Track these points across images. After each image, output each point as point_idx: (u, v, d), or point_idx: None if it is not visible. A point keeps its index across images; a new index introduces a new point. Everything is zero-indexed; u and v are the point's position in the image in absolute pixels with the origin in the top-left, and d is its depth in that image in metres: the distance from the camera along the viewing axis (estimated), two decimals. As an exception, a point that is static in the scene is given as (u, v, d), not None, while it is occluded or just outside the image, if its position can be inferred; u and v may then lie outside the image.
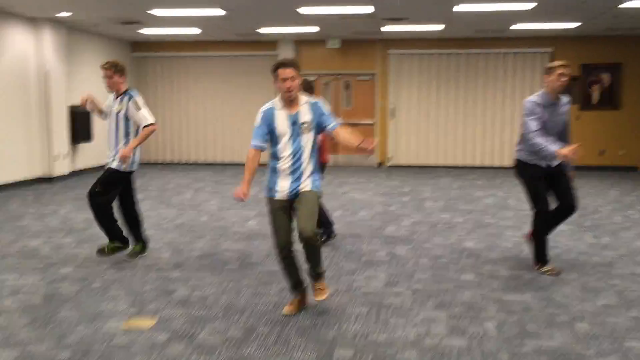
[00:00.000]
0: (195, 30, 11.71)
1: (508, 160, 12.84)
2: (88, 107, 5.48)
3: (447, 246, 6.05)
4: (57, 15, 9.95)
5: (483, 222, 7.25)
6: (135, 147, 5.23)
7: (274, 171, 4.03)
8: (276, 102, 3.99)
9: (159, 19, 10.08)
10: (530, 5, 8.83)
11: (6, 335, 3.74)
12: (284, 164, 3.96)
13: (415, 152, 13.26)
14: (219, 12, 9.43)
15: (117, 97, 5.37)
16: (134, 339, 3.68)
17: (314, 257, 4.03)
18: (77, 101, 11.43)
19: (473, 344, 3.60)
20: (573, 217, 7.43)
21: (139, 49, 13.71)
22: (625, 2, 8.46)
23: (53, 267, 5.27)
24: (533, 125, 4.84)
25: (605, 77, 12.52)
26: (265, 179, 4.09)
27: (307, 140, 3.95)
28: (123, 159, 5.18)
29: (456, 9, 9.01)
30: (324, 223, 6.06)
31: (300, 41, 13.20)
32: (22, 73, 10.21)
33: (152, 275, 5.03)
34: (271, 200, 4.07)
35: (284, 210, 4.02)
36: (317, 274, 4.11)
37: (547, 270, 5.04)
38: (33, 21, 10.32)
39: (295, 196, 3.99)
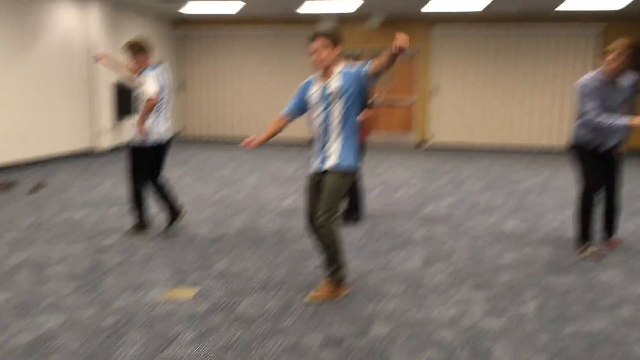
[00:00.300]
0: (238, 5, 11.67)
1: (552, 141, 12.56)
2: (104, 63, 5.63)
3: (486, 227, 5.98)
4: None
5: (524, 203, 7.12)
6: (141, 122, 5.16)
7: (315, 143, 3.99)
8: (317, 75, 3.96)
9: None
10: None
11: (54, 300, 3.88)
12: (317, 136, 3.92)
13: (457, 131, 13.08)
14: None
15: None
16: (175, 308, 3.77)
17: (323, 247, 3.85)
18: (121, 77, 11.67)
19: (511, 325, 3.56)
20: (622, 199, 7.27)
21: (181, 27, 13.83)
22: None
23: (97, 237, 5.42)
24: (595, 107, 4.70)
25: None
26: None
27: (337, 110, 3.77)
28: (139, 132, 5.20)
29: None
30: (355, 204, 6.03)
31: (343, 19, 13.09)
32: (68, 49, 10.43)
33: (193, 248, 5.12)
34: (309, 174, 4.06)
35: (313, 186, 3.96)
36: (326, 269, 3.94)
37: (588, 255, 4.93)
38: (79, -3, 10.50)
39: (322, 173, 3.90)
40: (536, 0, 10.23)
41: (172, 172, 9.13)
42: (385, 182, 8.47)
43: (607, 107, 4.78)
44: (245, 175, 9.02)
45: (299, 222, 6.06)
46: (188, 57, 14.01)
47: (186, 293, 4.03)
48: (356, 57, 5.61)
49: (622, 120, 4.58)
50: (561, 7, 10.69)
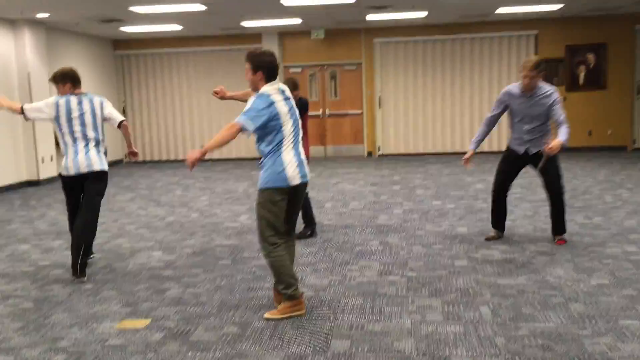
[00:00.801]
0: (176, 27, 11.61)
1: (496, 146, 12.87)
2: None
3: (439, 233, 6.05)
4: (36, 16, 9.81)
5: (474, 207, 7.25)
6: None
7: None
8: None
9: (140, 15, 9.97)
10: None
11: (-2, 341, 3.69)
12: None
13: (404, 141, 13.25)
14: (200, 7, 9.34)
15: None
16: (128, 339, 3.64)
17: (271, 269, 3.95)
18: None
19: (469, 330, 3.59)
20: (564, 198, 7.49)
21: (121, 47, 13.58)
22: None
23: (43, 270, 5.21)
24: (491, 110, 5.49)
25: (591, 58, 12.54)
26: None
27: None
28: None
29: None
30: (308, 218, 6.04)
31: (284, 33, 13.13)
32: (4, 76, 10.08)
33: (144, 274, 4.98)
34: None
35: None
36: (276, 288, 3.98)
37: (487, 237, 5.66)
38: (12, 23, 10.18)
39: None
40: (474, 7, 10.51)
41: (121, 197, 8.90)
42: (338, 194, 8.49)
43: (524, 118, 5.27)
44: (195, 196, 8.88)
45: (254, 240, 5.99)
46: (131, 78, 13.75)
47: (139, 322, 3.91)
48: (293, 81, 5.62)
49: (470, 144, 5.53)
50: (498, 11, 11.00)
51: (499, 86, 12.59)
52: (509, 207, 7.08)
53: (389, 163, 11.99)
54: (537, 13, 11.53)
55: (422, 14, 11.01)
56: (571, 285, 4.32)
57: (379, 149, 13.33)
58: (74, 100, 4.96)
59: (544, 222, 6.29)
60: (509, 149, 5.53)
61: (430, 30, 12.78)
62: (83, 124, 4.93)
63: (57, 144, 10.99)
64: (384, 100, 13.16)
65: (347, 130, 13.48)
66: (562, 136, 5.06)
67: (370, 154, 13.38)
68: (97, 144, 5.02)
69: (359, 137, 13.39)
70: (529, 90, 5.19)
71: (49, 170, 10.78)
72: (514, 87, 5.33)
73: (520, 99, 5.25)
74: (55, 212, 7.91)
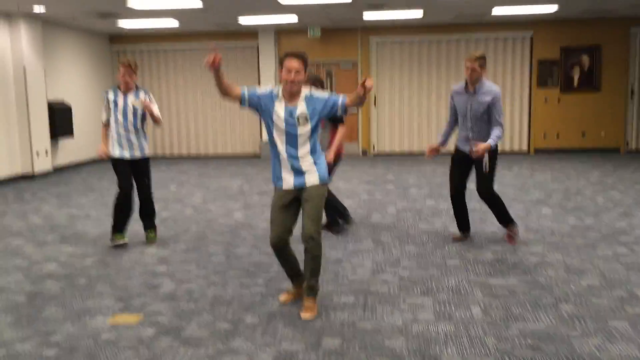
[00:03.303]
0: (173, 23, 11.60)
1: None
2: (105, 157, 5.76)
3: (432, 232, 6.08)
4: (33, 9, 9.78)
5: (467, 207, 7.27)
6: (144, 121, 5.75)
7: (277, 161, 3.94)
8: (278, 90, 3.87)
9: (136, 11, 9.96)
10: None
11: (-10, 335, 3.70)
12: (283, 156, 3.87)
13: (399, 140, 13.28)
14: (197, 3, 9.34)
15: (128, 93, 5.61)
16: (121, 334, 3.66)
17: (312, 264, 3.90)
18: (56, 96, 11.33)
19: (460, 329, 3.62)
20: (557, 199, 7.54)
21: (118, 42, 13.56)
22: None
23: (36, 265, 5.22)
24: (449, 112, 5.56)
25: (585, 60, 12.61)
26: (271, 168, 4.04)
27: (304, 134, 3.82)
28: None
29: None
30: (339, 209, 6.12)
31: (281, 31, 13.13)
32: (2, 69, 10.05)
33: (138, 270, 5.00)
34: (275, 189, 4.01)
35: (284, 203, 3.92)
36: (310, 288, 3.95)
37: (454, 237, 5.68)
38: (8, 17, 10.15)
39: (300, 190, 3.90)
40: (470, 8, 10.55)
41: (115, 192, 8.89)
42: (333, 192, 8.49)
43: (467, 115, 5.29)
44: (190, 192, 8.89)
45: (247, 236, 6.01)
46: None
47: (132, 318, 3.92)
48: (318, 78, 5.71)
49: (439, 137, 5.61)
50: (494, 12, 11.04)
51: (494, 87, 12.64)
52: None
53: (383, 162, 12.02)
54: (532, 15, 11.57)
55: (419, 13, 11.03)
56: (561, 285, 4.36)
57: (373, 148, 13.36)
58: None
59: (536, 223, 6.33)
60: (456, 148, 5.55)
61: (427, 30, 12.82)
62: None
63: (53, 136, 11.01)
64: (380, 99, 13.19)
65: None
66: (490, 139, 5.12)
67: (365, 152, 13.41)
68: None
69: (354, 135, 13.42)
70: (472, 84, 5.20)
71: (43, 165, 10.76)
72: (458, 85, 5.39)
73: (464, 96, 5.28)
74: (49, 206, 7.91)
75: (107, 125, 5.68)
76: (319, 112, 3.83)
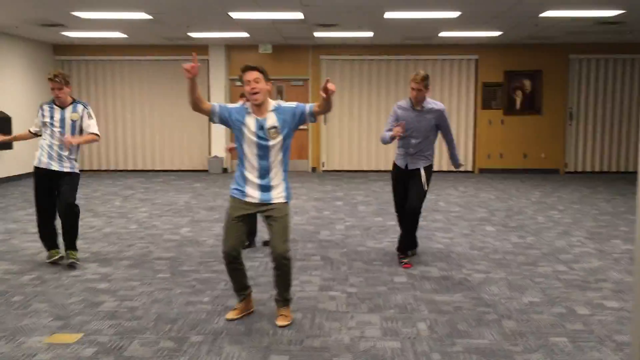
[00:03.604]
0: (120, 35, 11.39)
1: (438, 165, 13.17)
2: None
3: (380, 249, 6.13)
4: (-28, 15, 9.44)
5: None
6: (78, 145, 5.41)
7: (242, 175, 3.94)
8: (247, 105, 3.96)
9: (82, 21, 9.73)
10: (455, 14, 9.11)
11: None
12: (251, 170, 3.89)
13: (348, 157, 13.39)
14: (145, 15, 9.21)
15: (65, 107, 5.41)
16: (58, 354, 3.51)
17: (285, 279, 3.98)
18: (-5, 106, 10.89)
19: (406, 345, 3.64)
20: (500, 218, 7.74)
21: (63, 52, 13.19)
22: (544, 11, 8.87)
23: (-31, 281, 4.96)
24: (385, 126, 5.49)
25: (527, 83, 13.08)
26: (233, 179, 4.03)
27: (276, 146, 3.88)
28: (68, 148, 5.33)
29: (385, 16, 9.18)
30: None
31: (232, 46, 13.09)
32: None
33: (78, 287, 4.82)
34: (234, 200, 3.96)
35: (242, 216, 3.93)
36: (285, 300, 4.05)
37: (402, 261, 5.50)
38: (-55, 21, 9.75)
39: (264, 204, 3.92)
40: (417, 31, 10.80)
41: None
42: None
43: (412, 133, 5.35)
44: (135, 207, 8.68)
45: (194, 253, 5.90)
46: (72, 84, 13.33)
47: (69, 338, 3.77)
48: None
49: (385, 136, 5.39)
50: (441, 34, 11.34)
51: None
52: (447, 226, 7.28)
53: (332, 179, 12.08)
54: (478, 38, 11.95)
55: (368, 34, 11.22)
56: (505, 302, 4.45)
57: (323, 165, 13.42)
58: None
59: (480, 241, 6.47)
60: (395, 165, 5.60)
61: (376, 50, 13.04)
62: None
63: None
64: (330, 116, 13.28)
65: (292, 145, 13.46)
66: (456, 157, 5.59)
67: (314, 169, 13.45)
68: None
69: (303, 152, 13.44)
70: (418, 104, 5.32)
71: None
72: (403, 101, 5.48)
73: (410, 113, 5.35)
74: (-16, 221, 7.56)
75: (36, 134, 5.50)
76: (289, 122, 3.91)
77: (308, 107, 3.94)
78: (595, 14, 9.10)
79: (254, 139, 3.86)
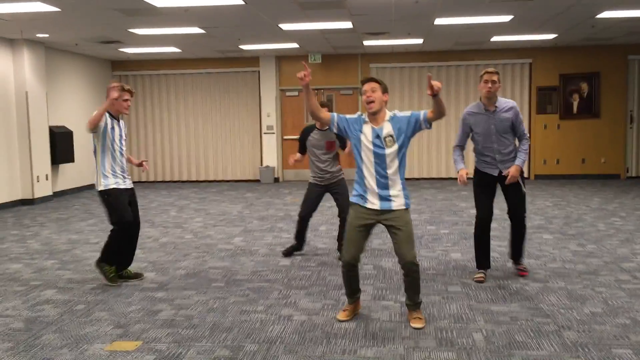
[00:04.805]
0: (174, 49, 11.71)
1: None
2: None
3: (433, 258, 6.05)
4: (35, 35, 9.89)
5: (468, 233, 7.25)
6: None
7: (362, 182, 4.10)
8: (366, 115, 4.13)
9: (139, 37, 10.06)
10: (507, 18, 8.95)
11: (-13, 362, 3.65)
12: (370, 178, 4.04)
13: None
14: (198, 30, 9.44)
15: (119, 120, 5.33)
16: (118, 361, 3.61)
17: (414, 285, 4.12)
18: (58, 121, 11.37)
19: (462, 356, 3.58)
20: (558, 226, 7.52)
21: (120, 68, 13.67)
22: (601, 12, 8.61)
23: (35, 290, 5.18)
24: (457, 138, 5.21)
25: (584, 86, 12.69)
26: (353, 188, 4.20)
27: (392, 154, 4.00)
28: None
29: (436, 22, 9.10)
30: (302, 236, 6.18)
31: (282, 57, 13.25)
32: (3, 94, 10.12)
33: (137, 295, 4.96)
34: (355, 207, 4.12)
35: (363, 224, 4.08)
36: (416, 304, 4.19)
37: (475, 277, 5.18)
38: (11, 42, 10.24)
39: (385, 213, 4.04)
40: (469, 35, 10.66)
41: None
42: (332, 217, 8.48)
43: (486, 137, 5.03)
44: (190, 217, 8.87)
45: (247, 262, 5.98)
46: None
47: (129, 346, 3.88)
48: (324, 105, 5.75)
49: (459, 166, 5.05)
50: (493, 39, 11.16)
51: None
52: (503, 234, 7.11)
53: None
54: (531, 42, 11.69)
55: (419, 41, 11.15)
56: (564, 312, 4.32)
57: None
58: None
59: (538, 249, 6.30)
60: (478, 171, 5.21)
61: (426, 57, 12.93)
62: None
63: (54, 161, 11.02)
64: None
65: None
66: (519, 158, 5.00)
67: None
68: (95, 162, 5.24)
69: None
70: (490, 101, 4.96)
71: (43, 190, 10.76)
72: (472, 106, 5.13)
73: (483, 116, 5.01)
74: (48, 231, 7.88)
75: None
76: (404, 131, 4.02)
77: (422, 113, 4.03)
78: (655, 13, 8.77)
79: (371, 147, 4.01)
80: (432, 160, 13.18)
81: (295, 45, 11.47)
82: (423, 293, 4.84)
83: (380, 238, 7.05)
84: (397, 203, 4.03)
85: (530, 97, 12.86)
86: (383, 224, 4.10)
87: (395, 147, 4.00)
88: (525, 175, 12.77)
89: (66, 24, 8.83)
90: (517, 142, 5.13)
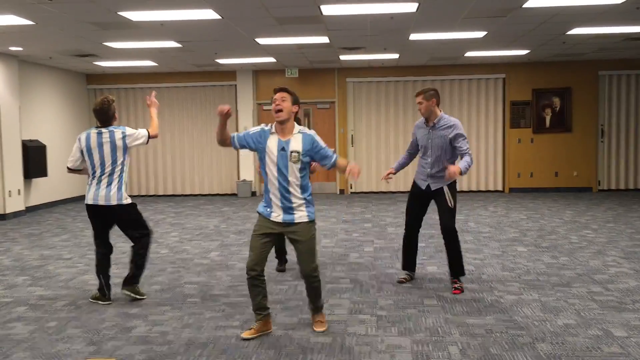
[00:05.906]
0: (150, 63, 11.66)
1: (467, 184, 13.06)
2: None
3: (409, 271, 6.07)
4: (8, 48, 9.76)
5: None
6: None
7: (269, 193, 4.11)
8: (271, 126, 4.13)
9: (114, 51, 10.00)
10: (481, 34, 9.10)
11: (-46, 382, 3.56)
12: (274, 191, 4.06)
13: (376, 179, 13.36)
14: (174, 44, 9.42)
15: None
16: (91, 380, 3.55)
17: (315, 292, 4.26)
18: (31, 135, 11.21)
19: (438, 370, 3.59)
20: (532, 238, 7.62)
21: (95, 81, 13.55)
22: (572, 29, 8.80)
23: (5, 307, 5.07)
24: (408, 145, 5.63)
25: (557, 101, 12.94)
26: (262, 197, 4.22)
27: (296, 168, 4.02)
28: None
29: (411, 37, 9.22)
30: (283, 253, 6.14)
31: (259, 71, 13.28)
32: (-27, 108, 9.95)
33: (110, 312, 4.88)
34: (260, 217, 4.16)
35: (267, 234, 4.10)
36: (317, 308, 4.35)
37: (399, 278, 5.63)
38: (-16, 55, 10.10)
39: (288, 225, 4.08)
40: (443, 51, 10.81)
41: (88, 232, 8.74)
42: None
43: (426, 149, 5.31)
44: (166, 232, 8.78)
45: (224, 277, 5.94)
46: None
47: (103, 362, 3.82)
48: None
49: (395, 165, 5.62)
50: (467, 54, 11.33)
51: (468, 127, 12.86)
52: (478, 246, 7.19)
53: (360, 201, 12.06)
54: (504, 57, 11.90)
55: (394, 56, 11.27)
56: (538, 325, 4.37)
57: (351, 187, 13.42)
58: (93, 134, 5.20)
59: (512, 262, 6.37)
60: (414, 184, 5.47)
61: (402, 72, 13.07)
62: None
63: (26, 176, 10.84)
64: (357, 138, 13.32)
65: (320, 167, 13.53)
66: (461, 164, 4.99)
67: (342, 191, 13.45)
68: (110, 176, 5.12)
69: (331, 174, 13.47)
70: (427, 119, 5.26)
71: (15, 204, 10.57)
72: (420, 120, 5.43)
73: (424, 130, 5.31)
74: (20, 247, 7.74)
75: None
76: (308, 151, 4.06)
77: (334, 158, 4.15)
78: (623, 30, 9.00)
79: (275, 160, 4.02)
80: (408, 175, 13.26)
81: (272, 59, 11.51)
82: (400, 306, 4.87)
83: (357, 252, 7.06)
84: (299, 215, 4.07)
85: (504, 112, 13.05)
86: (287, 236, 4.18)
87: (299, 164, 4.03)
88: (500, 188, 13.06)
89: (40, 37, 8.74)
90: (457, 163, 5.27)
